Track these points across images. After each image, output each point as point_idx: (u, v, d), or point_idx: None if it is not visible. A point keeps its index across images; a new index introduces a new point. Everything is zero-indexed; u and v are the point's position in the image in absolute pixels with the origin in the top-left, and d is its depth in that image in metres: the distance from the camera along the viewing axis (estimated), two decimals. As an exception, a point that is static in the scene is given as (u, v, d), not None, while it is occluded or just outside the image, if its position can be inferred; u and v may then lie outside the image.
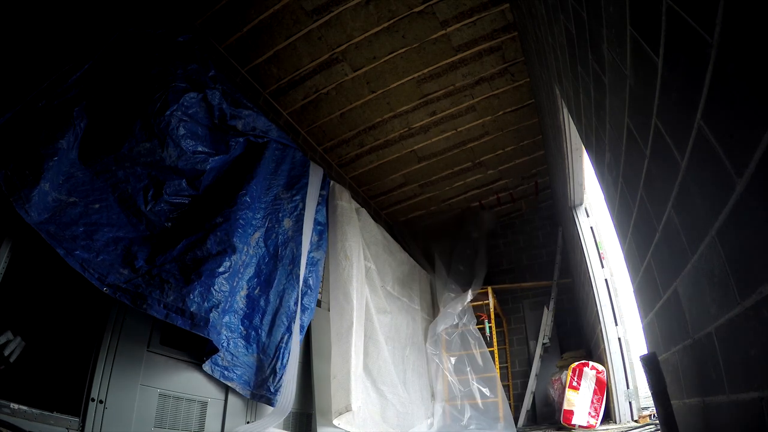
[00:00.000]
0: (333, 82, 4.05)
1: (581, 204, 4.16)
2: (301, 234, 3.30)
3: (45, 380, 2.08)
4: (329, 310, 3.64)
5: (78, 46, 2.23)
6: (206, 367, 2.50)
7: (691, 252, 0.95)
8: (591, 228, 4.02)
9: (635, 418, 3.27)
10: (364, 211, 4.36)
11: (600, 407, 3.52)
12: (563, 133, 3.18)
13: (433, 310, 5.54)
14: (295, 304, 3.04)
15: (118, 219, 2.25)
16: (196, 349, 2.53)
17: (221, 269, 2.43)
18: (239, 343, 2.67)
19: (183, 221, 2.51)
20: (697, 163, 0.82)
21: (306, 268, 3.29)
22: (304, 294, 3.24)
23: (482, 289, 5.23)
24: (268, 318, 2.87)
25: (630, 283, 1.74)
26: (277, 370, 2.76)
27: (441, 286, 5.42)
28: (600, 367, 3.63)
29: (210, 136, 2.81)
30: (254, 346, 2.76)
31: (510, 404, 5.46)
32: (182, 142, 2.56)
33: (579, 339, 5.21)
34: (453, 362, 4.85)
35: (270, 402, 2.70)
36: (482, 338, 4.87)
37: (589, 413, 3.51)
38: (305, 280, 3.27)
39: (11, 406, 1.68)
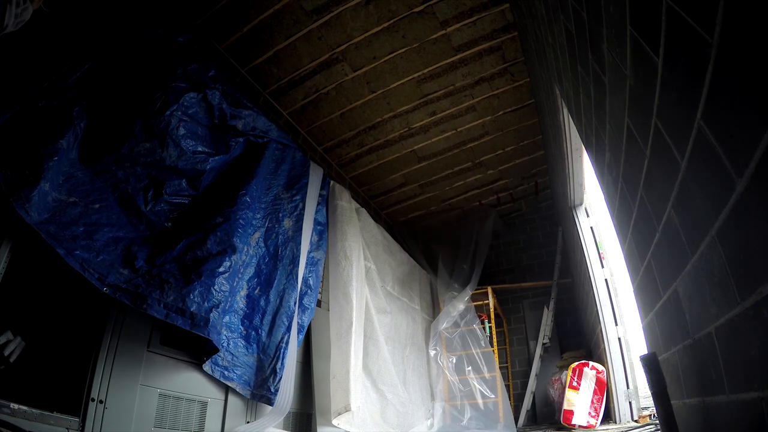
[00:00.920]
0: (333, 82, 4.05)
1: (581, 204, 4.16)
2: (301, 234, 3.30)
3: (45, 380, 2.08)
4: (329, 310, 3.64)
5: (78, 46, 2.23)
6: (206, 367, 2.50)
7: (691, 252, 0.95)
8: (591, 228, 4.02)
9: (635, 418, 3.27)
10: (364, 211, 4.36)
11: (600, 407, 3.52)
12: (563, 133, 3.18)
13: (433, 310, 5.54)
14: (295, 304, 3.04)
15: (118, 219, 2.25)
16: (196, 349, 2.53)
17: (221, 269, 2.43)
18: (239, 343, 2.67)
19: (183, 221, 2.51)
20: (697, 163, 0.82)
21: (306, 268, 3.29)
22: (304, 294, 3.24)
23: (482, 288, 5.23)
24: (268, 318, 2.87)
25: (630, 283, 1.74)
26: (278, 370, 2.76)
27: (443, 284, 5.41)
28: (600, 367, 3.63)
29: (210, 136, 2.81)
30: (254, 346, 2.76)
31: (510, 404, 5.48)
32: (182, 142, 2.56)
33: (579, 339, 5.22)
34: (454, 362, 4.85)
35: (270, 402, 2.70)
36: (486, 338, 4.87)
37: (589, 413, 3.51)
38: (305, 280, 3.27)
39: (11, 406, 1.68)
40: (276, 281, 2.99)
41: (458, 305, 4.98)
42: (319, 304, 3.57)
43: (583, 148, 2.94)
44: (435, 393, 4.81)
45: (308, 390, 3.32)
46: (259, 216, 2.99)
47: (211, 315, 2.29)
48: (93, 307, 2.17)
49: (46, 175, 1.92)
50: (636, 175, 1.23)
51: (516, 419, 4.83)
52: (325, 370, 3.39)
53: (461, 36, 3.72)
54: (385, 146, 4.95)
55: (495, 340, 4.93)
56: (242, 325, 2.72)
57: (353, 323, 3.44)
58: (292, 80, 3.98)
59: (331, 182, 4.01)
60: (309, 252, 3.38)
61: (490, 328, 4.96)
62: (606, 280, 3.76)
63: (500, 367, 5.01)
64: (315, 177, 3.66)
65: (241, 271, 2.72)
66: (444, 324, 4.97)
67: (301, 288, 3.17)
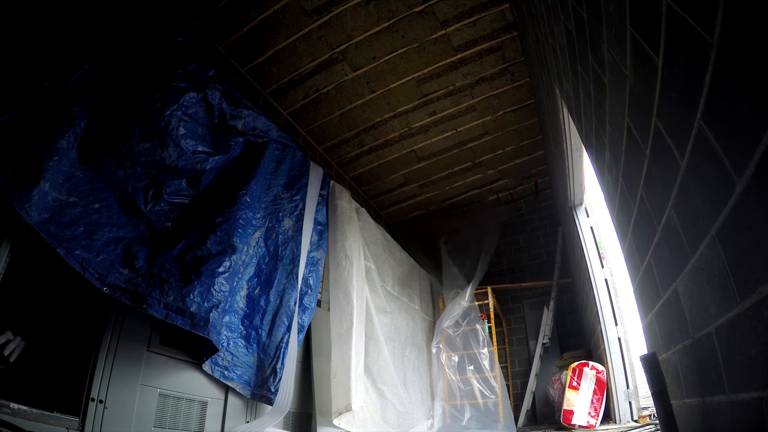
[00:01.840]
0: (333, 82, 4.05)
1: (581, 204, 4.16)
2: (301, 234, 3.30)
3: (45, 380, 2.08)
4: (329, 310, 3.64)
5: (78, 46, 2.23)
6: (206, 366, 2.50)
7: (691, 252, 0.95)
8: (591, 228, 4.02)
9: (635, 418, 3.27)
10: (364, 210, 4.36)
11: (600, 407, 3.52)
12: (563, 133, 3.18)
13: (433, 310, 5.54)
14: (296, 303, 3.04)
15: (118, 219, 2.25)
16: (196, 349, 2.53)
17: (221, 269, 2.43)
18: (239, 343, 2.67)
19: (183, 221, 2.51)
20: (697, 163, 0.82)
21: (306, 267, 3.29)
22: (304, 294, 3.24)
23: (482, 288, 5.23)
24: (268, 318, 2.87)
25: (630, 283, 1.74)
26: (278, 369, 2.76)
27: (449, 278, 5.38)
28: (600, 367, 3.63)
29: (210, 136, 2.81)
30: (254, 345, 2.76)
31: (510, 404, 5.48)
32: (182, 141, 2.56)
33: (579, 339, 5.22)
34: (455, 361, 4.84)
35: (270, 402, 2.70)
36: (487, 337, 4.86)
37: (589, 413, 3.51)
38: (305, 280, 3.27)
39: (11, 406, 1.69)
40: (276, 281, 2.99)
41: (461, 302, 4.97)
42: (319, 304, 3.57)
43: (583, 148, 2.94)
44: (435, 392, 4.81)
45: (308, 390, 3.32)
46: (259, 216, 2.99)
47: (211, 315, 2.29)
48: (93, 306, 2.17)
49: (46, 175, 1.92)
50: (636, 175, 1.23)
51: (516, 419, 4.82)
52: (325, 369, 3.39)
53: (461, 36, 3.72)
54: (385, 146, 4.95)
55: (495, 340, 4.92)
56: (242, 324, 2.72)
57: (354, 323, 3.44)
58: (292, 80, 3.98)
59: (331, 182, 4.01)
60: (309, 252, 3.38)
61: (490, 328, 4.96)
62: (606, 280, 3.76)
63: (500, 367, 5.01)
64: (315, 177, 3.66)
65: (241, 271, 2.72)
66: (447, 322, 4.97)
67: (301, 288, 3.17)
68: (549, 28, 2.20)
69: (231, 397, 2.67)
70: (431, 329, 5.35)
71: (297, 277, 3.12)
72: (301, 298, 3.18)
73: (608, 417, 3.58)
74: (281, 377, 2.76)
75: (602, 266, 3.83)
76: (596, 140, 1.70)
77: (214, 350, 2.47)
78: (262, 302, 2.87)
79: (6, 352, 1.66)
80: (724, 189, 0.72)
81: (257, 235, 2.96)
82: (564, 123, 3.03)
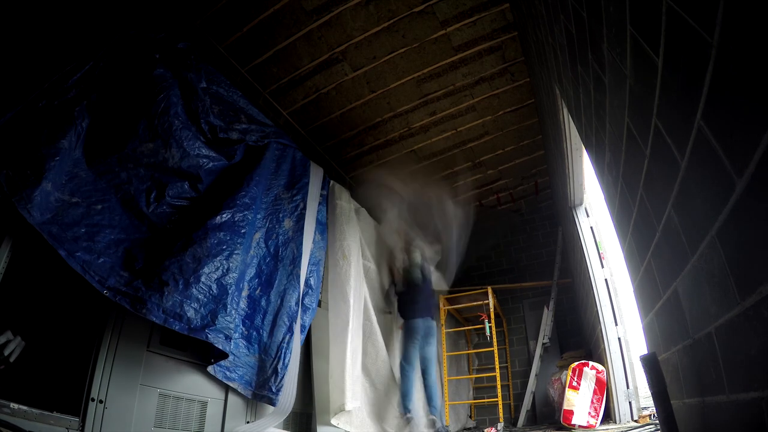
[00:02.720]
0: (333, 81, 4.04)
1: (581, 204, 4.16)
2: (302, 234, 3.30)
3: (45, 380, 2.08)
4: (328, 310, 3.64)
5: (79, 46, 2.23)
6: (210, 368, 2.50)
7: (691, 252, 0.95)
8: (591, 228, 4.02)
9: (635, 418, 3.27)
10: (363, 210, 4.36)
11: (600, 407, 3.51)
12: (563, 133, 3.18)
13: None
14: (297, 304, 3.04)
15: (120, 220, 2.24)
16: (197, 349, 2.53)
17: (221, 271, 2.43)
18: (240, 344, 2.67)
19: (184, 223, 2.51)
20: (697, 163, 0.82)
21: (307, 268, 3.29)
22: (305, 294, 3.24)
23: (482, 288, 5.23)
24: (269, 318, 2.87)
25: (630, 283, 1.74)
26: (279, 370, 2.76)
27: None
28: (600, 367, 3.62)
29: (212, 139, 2.81)
30: (256, 346, 2.76)
31: (510, 404, 5.48)
32: (185, 143, 2.56)
33: (579, 339, 5.21)
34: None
35: (272, 402, 2.70)
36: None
37: (589, 413, 3.51)
38: (306, 280, 3.27)
39: (11, 406, 1.69)
40: (277, 281, 2.99)
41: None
42: (319, 304, 3.57)
43: (583, 148, 2.94)
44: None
45: (308, 390, 3.32)
46: (259, 216, 2.99)
47: (210, 319, 2.29)
48: (93, 306, 2.17)
49: (48, 175, 1.92)
50: (636, 175, 1.23)
51: (516, 419, 4.82)
52: (324, 369, 3.39)
53: (461, 36, 3.72)
54: (385, 146, 4.95)
55: (495, 340, 4.92)
56: (243, 325, 2.72)
57: (350, 323, 3.43)
58: (292, 80, 3.98)
59: (331, 182, 4.01)
60: (310, 252, 3.38)
61: (490, 328, 4.95)
62: (606, 280, 3.76)
63: (500, 367, 5.01)
64: (315, 177, 3.66)
65: (243, 271, 2.71)
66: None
67: (302, 288, 3.17)
68: (549, 28, 2.20)
69: (231, 397, 2.67)
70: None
71: (298, 278, 3.12)
72: (303, 298, 3.18)
73: (608, 417, 3.58)
74: (283, 377, 2.75)
75: (602, 266, 3.83)
76: (596, 140, 1.70)
77: (223, 355, 2.46)
78: (263, 303, 2.87)
79: (6, 352, 1.66)
80: (724, 189, 0.72)
81: (258, 235, 2.95)
82: (564, 123, 3.03)
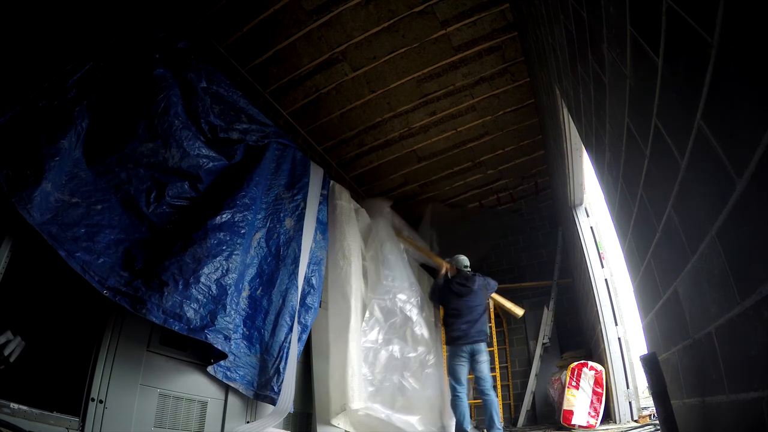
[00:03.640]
0: (333, 81, 4.04)
1: (581, 204, 4.16)
2: (303, 233, 3.29)
3: (45, 380, 2.08)
4: (328, 310, 3.63)
5: (80, 46, 2.23)
6: (210, 368, 2.50)
7: (691, 252, 0.95)
8: (591, 228, 4.02)
9: (635, 418, 3.27)
10: (363, 210, 4.36)
11: (600, 407, 3.52)
12: (563, 133, 3.18)
13: (433, 309, 5.52)
14: (298, 303, 3.04)
15: (120, 221, 2.24)
16: (197, 349, 2.53)
17: (220, 271, 2.43)
18: (241, 344, 2.67)
19: (184, 223, 2.50)
20: (697, 163, 0.82)
21: (308, 267, 3.28)
22: (307, 293, 3.24)
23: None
24: (271, 318, 2.86)
25: (630, 283, 1.74)
26: (281, 369, 2.76)
27: None
28: (599, 368, 3.62)
29: (212, 139, 2.81)
30: (257, 346, 2.76)
31: (510, 404, 5.47)
32: (185, 143, 2.56)
33: (579, 339, 5.21)
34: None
35: (273, 402, 2.70)
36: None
37: (589, 413, 3.51)
38: (308, 280, 3.26)
39: (11, 406, 1.69)
40: (278, 281, 2.98)
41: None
42: (319, 304, 3.57)
43: (583, 148, 2.94)
44: None
45: (308, 390, 3.32)
46: (260, 216, 2.99)
47: (209, 319, 2.29)
48: (93, 306, 2.17)
49: (47, 175, 1.92)
50: (636, 175, 1.23)
51: (516, 419, 4.82)
52: (324, 369, 3.39)
53: (461, 36, 3.72)
54: (385, 146, 4.95)
55: (495, 340, 4.92)
56: (244, 325, 2.72)
57: (350, 323, 3.43)
58: (292, 80, 3.98)
59: (331, 182, 4.01)
60: (311, 252, 3.37)
61: (490, 328, 4.95)
62: (606, 280, 3.76)
63: (500, 367, 5.01)
64: (316, 176, 3.66)
65: (243, 272, 2.71)
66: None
67: (303, 287, 3.17)
68: (549, 28, 2.20)
69: (231, 397, 2.67)
70: (431, 329, 5.34)
71: (299, 277, 3.12)
72: (304, 298, 3.17)
73: (608, 417, 3.58)
74: (285, 377, 2.75)
75: (602, 266, 3.83)
76: (596, 140, 1.70)
77: (222, 356, 2.46)
78: (264, 302, 2.87)
79: (6, 352, 1.66)
80: (724, 189, 0.72)
81: (258, 235, 2.95)
82: (564, 123, 3.03)
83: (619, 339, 3.55)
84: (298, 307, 3.04)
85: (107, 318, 2.15)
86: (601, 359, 3.73)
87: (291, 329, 2.92)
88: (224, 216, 2.57)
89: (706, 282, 0.90)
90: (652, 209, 1.17)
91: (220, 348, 2.35)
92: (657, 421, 2.04)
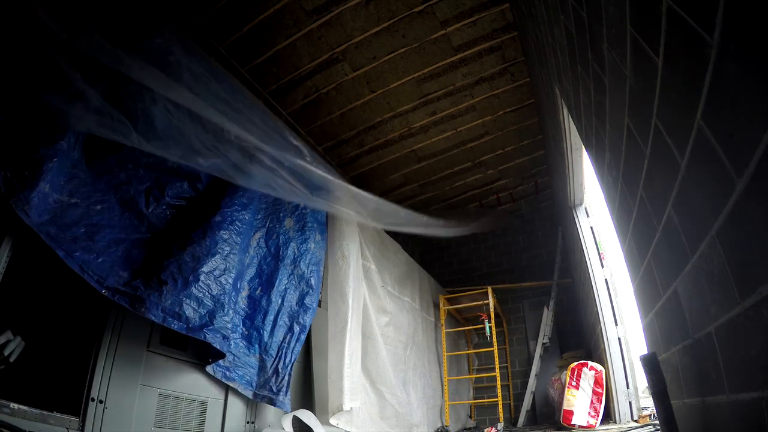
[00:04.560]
0: (333, 82, 4.05)
1: (581, 204, 4.16)
2: (302, 233, 3.30)
3: (45, 380, 2.08)
4: (328, 310, 3.63)
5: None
6: (208, 368, 2.50)
7: (691, 252, 0.95)
8: (591, 228, 4.02)
9: (635, 418, 3.27)
10: (363, 211, 4.35)
11: (600, 407, 3.51)
12: (563, 133, 3.18)
13: (433, 310, 5.54)
14: (297, 303, 3.05)
15: (119, 220, 2.24)
16: (197, 349, 2.53)
17: (219, 270, 2.43)
18: (240, 344, 2.67)
19: (182, 222, 2.50)
20: (697, 163, 0.82)
21: (308, 267, 3.29)
22: (305, 294, 3.23)
23: (482, 288, 5.23)
24: (270, 318, 2.87)
25: (630, 283, 1.74)
26: (280, 369, 2.77)
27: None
28: (599, 367, 3.62)
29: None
30: (256, 346, 2.76)
31: (510, 404, 5.48)
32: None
33: (579, 339, 5.22)
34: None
35: (273, 402, 2.70)
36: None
37: (589, 413, 3.51)
38: (307, 280, 3.27)
39: (11, 406, 1.69)
40: (277, 281, 2.99)
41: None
42: (319, 303, 3.57)
43: (583, 148, 2.94)
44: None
45: (308, 390, 3.32)
46: (260, 216, 2.99)
47: (208, 318, 2.29)
48: (93, 306, 2.17)
49: (45, 177, 1.91)
50: (636, 175, 1.23)
51: (516, 419, 4.82)
52: (324, 369, 3.39)
53: (461, 36, 3.72)
54: (385, 146, 4.95)
55: (495, 340, 4.92)
56: (243, 325, 2.72)
57: (348, 323, 3.43)
58: (292, 80, 3.98)
59: (331, 182, 4.00)
60: (311, 251, 3.37)
61: (490, 328, 4.96)
62: (606, 280, 3.76)
63: (500, 367, 5.01)
64: (315, 177, 3.65)
65: (242, 271, 2.71)
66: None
67: (302, 288, 3.17)
68: (549, 28, 2.20)
69: (231, 397, 2.67)
70: (432, 329, 5.35)
71: (298, 277, 3.12)
72: (303, 298, 3.17)
73: (608, 417, 3.58)
74: (284, 377, 2.76)
75: (602, 266, 3.83)
76: (596, 140, 1.70)
77: (220, 355, 2.46)
78: (264, 302, 2.87)
79: (6, 352, 1.66)
80: (724, 189, 0.72)
81: (258, 235, 2.95)
82: (564, 123, 3.03)
83: (619, 339, 3.54)
84: (297, 307, 3.04)
85: (107, 318, 2.15)
86: (601, 359, 3.73)
87: (290, 329, 2.92)
88: (222, 214, 2.57)
89: (706, 282, 0.90)
90: (652, 209, 1.17)
91: (218, 347, 2.36)
92: (657, 421, 2.04)
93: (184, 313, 2.19)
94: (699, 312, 0.99)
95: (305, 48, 3.70)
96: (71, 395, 1.98)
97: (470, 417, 5.70)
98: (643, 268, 1.43)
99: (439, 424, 4.73)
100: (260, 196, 3.01)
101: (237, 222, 2.65)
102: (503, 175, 5.76)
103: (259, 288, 2.88)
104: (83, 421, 1.93)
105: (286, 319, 2.93)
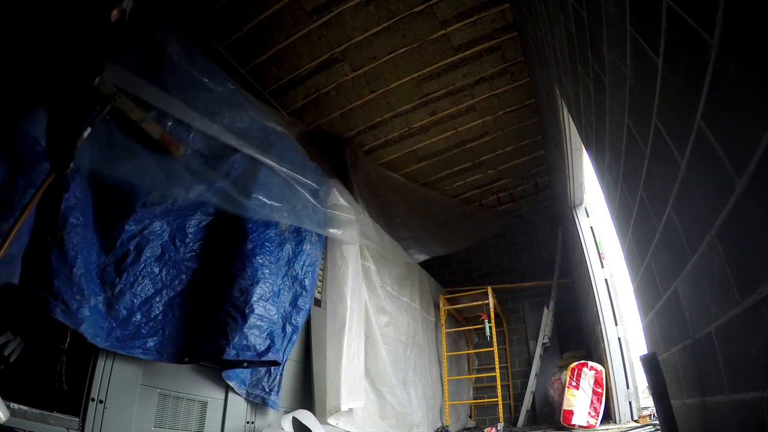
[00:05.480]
0: (333, 81, 4.05)
1: (581, 204, 4.16)
2: (298, 234, 3.29)
3: (45, 380, 2.08)
4: (327, 311, 3.63)
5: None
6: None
7: (691, 252, 0.95)
8: (591, 228, 4.02)
9: (635, 418, 3.27)
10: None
11: (600, 407, 3.51)
12: (563, 133, 3.18)
13: (433, 309, 5.54)
14: (290, 305, 3.04)
15: (163, 280, 2.26)
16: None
17: (267, 295, 2.53)
18: (239, 344, 2.68)
19: (211, 250, 2.54)
20: (697, 163, 0.82)
21: (302, 269, 3.27)
22: (299, 295, 3.22)
23: (482, 288, 5.23)
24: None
25: (630, 283, 1.74)
26: (272, 370, 2.78)
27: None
28: (599, 367, 3.62)
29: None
30: (252, 346, 2.77)
31: (510, 404, 5.48)
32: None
33: (579, 339, 5.22)
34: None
35: (264, 401, 2.71)
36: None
37: (589, 413, 3.51)
38: (300, 281, 3.24)
39: (11, 406, 1.68)
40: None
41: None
42: (319, 304, 3.57)
43: (583, 148, 2.94)
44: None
45: (308, 390, 3.32)
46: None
47: (270, 340, 2.42)
48: (93, 307, 2.16)
49: (85, 289, 1.89)
50: (636, 175, 1.23)
51: (516, 419, 4.82)
52: (323, 369, 3.39)
53: (461, 36, 3.72)
54: (385, 146, 4.96)
55: (495, 340, 4.92)
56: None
57: (346, 323, 3.43)
58: (292, 80, 3.98)
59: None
60: (306, 252, 3.36)
61: (490, 328, 4.96)
62: (606, 280, 3.76)
63: (500, 367, 5.01)
64: (315, 177, 3.65)
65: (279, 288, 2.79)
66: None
67: (295, 289, 3.16)
68: (549, 28, 2.20)
69: (231, 397, 2.67)
70: (432, 329, 5.35)
71: (292, 279, 3.11)
72: (296, 299, 3.16)
73: (608, 417, 3.58)
74: (275, 377, 2.78)
75: (602, 266, 3.83)
76: (596, 140, 1.70)
77: (239, 363, 2.51)
78: (261, 303, 2.87)
79: (6, 352, 1.66)
80: (724, 189, 0.72)
81: (257, 235, 2.95)
82: (564, 123, 3.03)
83: (619, 339, 3.55)
84: (290, 308, 3.04)
85: (107, 318, 2.15)
86: (601, 359, 3.73)
87: (283, 330, 2.92)
88: (253, 241, 2.63)
89: (706, 282, 0.90)
90: (652, 209, 1.17)
91: (280, 362, 2.56)
92: (657, 421, 2.04)
93: (252, 343, 2.31)
94: (699, 312, 0.99)
95: (305, 48, 3.70)
96: (71, 395, 1.98)
97: (470, 417, 5.70)
98: (643, 268, 1.43)
99: (439, 424, 4.73)
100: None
101: (266, 243, 2.72)
102: (503, 175, 5.76)
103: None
104: (83, 421, 1.92)
105: (279, 320, 2.94)
